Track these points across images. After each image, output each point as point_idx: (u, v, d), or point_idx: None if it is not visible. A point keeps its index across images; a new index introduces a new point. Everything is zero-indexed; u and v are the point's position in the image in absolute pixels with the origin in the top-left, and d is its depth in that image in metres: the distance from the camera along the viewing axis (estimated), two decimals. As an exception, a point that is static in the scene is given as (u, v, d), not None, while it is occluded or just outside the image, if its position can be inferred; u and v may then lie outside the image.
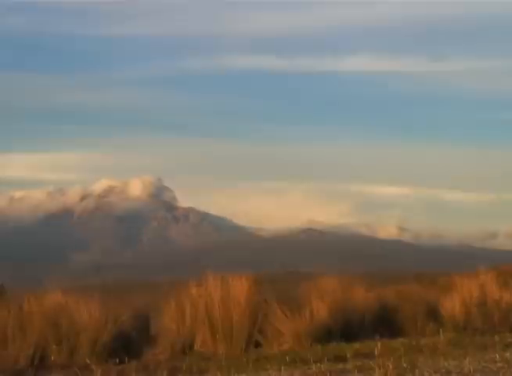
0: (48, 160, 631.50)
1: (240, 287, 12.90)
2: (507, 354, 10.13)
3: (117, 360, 11.32)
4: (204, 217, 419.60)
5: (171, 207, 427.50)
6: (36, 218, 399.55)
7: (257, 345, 12.80)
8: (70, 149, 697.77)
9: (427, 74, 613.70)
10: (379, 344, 11.16)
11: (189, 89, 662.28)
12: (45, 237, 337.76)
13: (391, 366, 8.95)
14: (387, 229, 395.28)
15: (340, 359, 10.58)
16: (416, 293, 15.74)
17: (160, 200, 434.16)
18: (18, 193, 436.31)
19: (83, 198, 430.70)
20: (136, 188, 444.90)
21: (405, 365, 9.22)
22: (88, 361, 11.39)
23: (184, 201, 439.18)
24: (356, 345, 11.91)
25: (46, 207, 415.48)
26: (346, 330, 13.41)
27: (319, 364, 9.95)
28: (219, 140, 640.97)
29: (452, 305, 14.45)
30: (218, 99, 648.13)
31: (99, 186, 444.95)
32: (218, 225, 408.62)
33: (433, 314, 14.41)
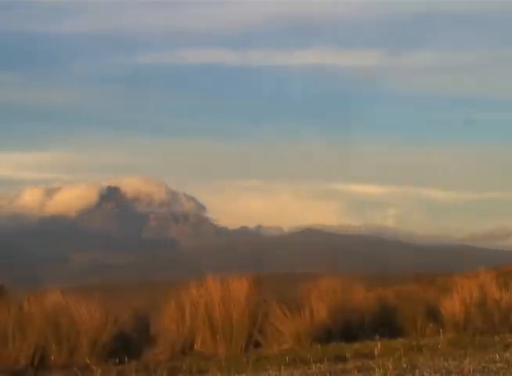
0: (43, 160, 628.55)
1: (240, 287, 12.90)
2: (507, 354, 10.11)
3: (117, 360, 11.32)
4: (204, 217, 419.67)
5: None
6: (36, 218, 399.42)
7: (257, 345, 12.80)
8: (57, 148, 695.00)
9: (384, 69, 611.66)
10: (379, 344, 11.16)
11: (150, 86, 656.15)
12: (45, 237, 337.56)
13: (390, 367, 8.94)
14: (384, 229, 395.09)
15: (340, 359, 10.57)
16: (416, 293, 15.74)
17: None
18: (18, 194, 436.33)
19: (83, 198, 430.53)
20: (133, 188, 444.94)
21: (405, 365, 9.21)
22: (88, 361, 11.40)
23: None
24: (356, 345, 11.91)
25: (46, 207, 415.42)
26: (346, 330, 13.40)
27: (319, 364, 9.94)
28: (199, 139, 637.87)
29: (452, 306, 14.44)
30: (172, 96, 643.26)
31: (99, 185, 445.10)
32: (217, 225, 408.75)
33: (433, 314, 14.39)
